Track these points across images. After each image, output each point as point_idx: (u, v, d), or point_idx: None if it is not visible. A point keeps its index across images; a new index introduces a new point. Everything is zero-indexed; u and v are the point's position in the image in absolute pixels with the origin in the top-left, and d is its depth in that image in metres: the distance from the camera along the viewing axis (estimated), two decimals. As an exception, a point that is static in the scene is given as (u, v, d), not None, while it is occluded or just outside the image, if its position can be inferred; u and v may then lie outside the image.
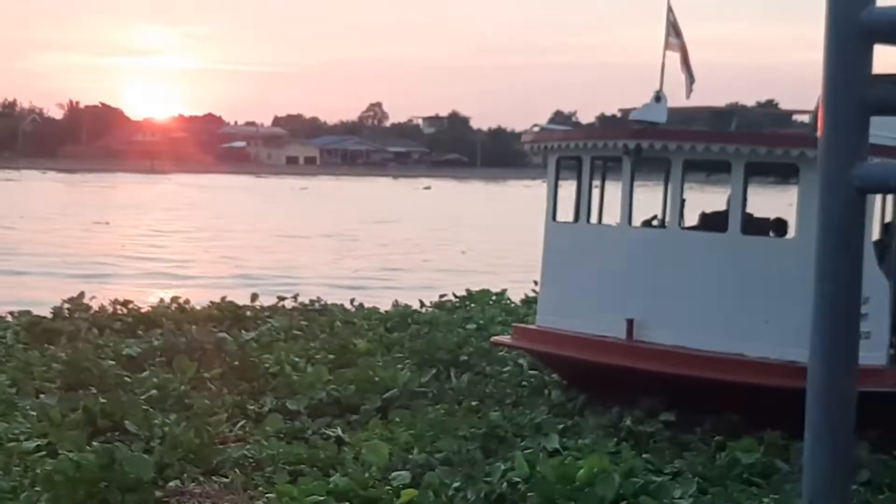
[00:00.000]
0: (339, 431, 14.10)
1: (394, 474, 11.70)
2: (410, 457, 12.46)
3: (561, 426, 14.04)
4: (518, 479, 11.13)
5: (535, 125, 18.06)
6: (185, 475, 11.68)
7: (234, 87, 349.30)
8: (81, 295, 22.67)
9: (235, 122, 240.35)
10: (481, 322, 21.93)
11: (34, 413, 13.65)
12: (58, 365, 16.45)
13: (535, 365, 17.85)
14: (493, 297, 25.47)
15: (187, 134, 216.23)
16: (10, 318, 21.09)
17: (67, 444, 11.82)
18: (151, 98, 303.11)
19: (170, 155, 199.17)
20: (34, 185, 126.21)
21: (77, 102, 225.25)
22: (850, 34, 4.14)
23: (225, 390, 15.82)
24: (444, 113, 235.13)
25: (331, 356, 17.92)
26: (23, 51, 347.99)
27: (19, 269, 42.58)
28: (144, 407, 13.81)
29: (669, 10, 16.88)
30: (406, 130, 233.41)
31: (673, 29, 16.92)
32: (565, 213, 17.15)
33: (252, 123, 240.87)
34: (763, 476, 12.30)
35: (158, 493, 11.04)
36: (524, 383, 16.95)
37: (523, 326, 17.65)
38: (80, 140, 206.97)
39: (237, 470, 12.07)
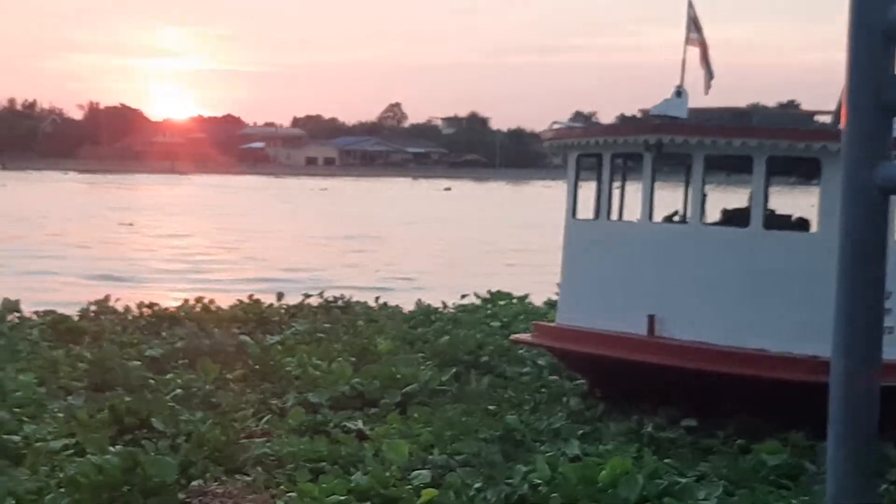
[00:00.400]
0: (360, 425, 14.15)
1: (414, 473, 11.72)
2: (430, 457, 12.48)
3: (580, 432, 13.91)
4: (539, 481, 11.13)
5: (555, 123, 18.03)
6: (208, 474, 11.72)
7: (254, 87, 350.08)
8: (107, 297, 22.79)
9: (254, 123, 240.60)
10: (505, 320, 21.94)
11: (61, 414, 13.72)
12: (83, 365, 16.55)
13: (555, 368, 17.80)
14: (515, 301, 25.43)
15: (206, 135, 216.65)
16: (35, 318, 21.22)
17: (92, 445, 11.89)
18: (171, 99, 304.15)
19: (189, 156, 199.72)
20: (56, 186, 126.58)
21: (97, 103, 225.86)
22: (872, 35, 4.14)
23: (248, 390, 15.91)
24: (463, 113, 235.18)
25: (352, 358, 17.91)
26: (43, 51, 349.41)
27: (45, 270, 42.75)
28: (170, 405, 13.90)
29: (690, 4, 16.84)
30: (425, 131, 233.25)
31: (693, 24, 16.87)
32: (585, 210, 17.12)
33: (271, 124, 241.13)
34: (790, 478, 12.18)
35: (181, 495, 11.07)
36: (543, 389, 16.86)
37: (543, 324, 17.61)
38: (100, 141, 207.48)
39: (259, 468, 12.10)
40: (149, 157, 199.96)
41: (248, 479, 11.75)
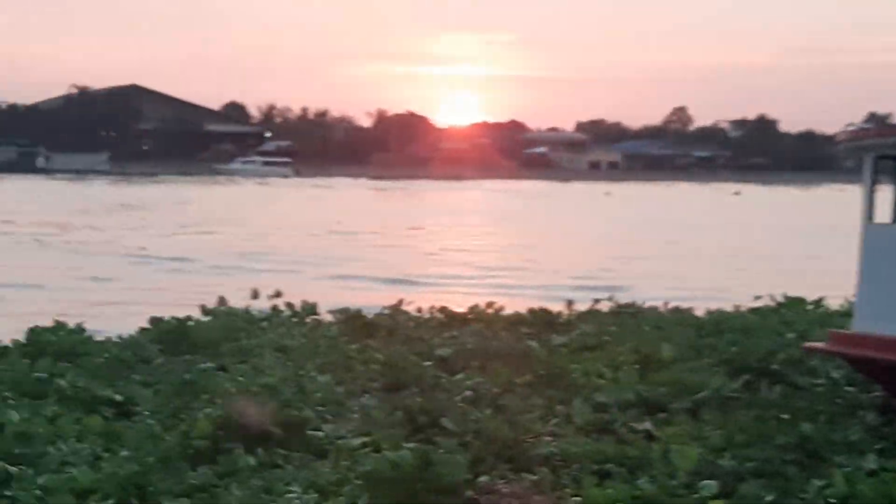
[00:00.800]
0: (648, 426, 14.06)
1: (702, 483, 11.56)
2: (720, 462, 12.29)
3: (878, 446, 13.27)
4: (834, 500, 10.82)
5: (849, 125, 17.53)
6: (496, 472, 11.91)
7: (538, 93, 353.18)
8: (400, 302, 23.37)
9: (538, 129, 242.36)
10: (799, 329, 21.33)
11: (356, 415, 14.20)
12: (376, 366, 17.07)
13: (851, 380, 17.23)
14: (810, 306, 24.74)
15: (491, 140, 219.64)
16: (331, 318, 21.99)
17: (387, 442, 12.30)
18: (456, 106, 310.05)
19: (474, 161, 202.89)
20: (347, 193, 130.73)
21: (385, 111, 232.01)
22: None
23: (534, 395, 16.03)
24: (750, 116, 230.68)
25: (636, 365, 17.79)
26: (334, 61, 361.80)
27: (342, 274, 44.24)
28: (460, 405, 14.21)
29: None
30: (711, 134, 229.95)
31: None
32: (882, 214, 16.56)
33: (554, 129, 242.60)
34: None
35: (469, 492, 11.28)
36: (838, 400, 16.28)
37: (839, 332, 17.05)
38: (388, 148, 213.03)
39: (545, 467, 12.20)
40: (434, 163, 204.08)
41: (535, 478, 11.86)
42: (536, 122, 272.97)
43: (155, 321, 20.27)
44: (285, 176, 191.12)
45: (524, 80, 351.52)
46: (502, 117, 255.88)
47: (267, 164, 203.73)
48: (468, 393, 15.43)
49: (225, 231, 68.88)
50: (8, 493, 10.64)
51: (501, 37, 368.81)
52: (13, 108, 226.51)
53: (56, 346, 18.21)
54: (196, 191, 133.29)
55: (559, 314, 22.94)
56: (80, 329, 19.66)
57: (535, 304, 23.68)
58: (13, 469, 11.40)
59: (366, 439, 12.68)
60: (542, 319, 22.18)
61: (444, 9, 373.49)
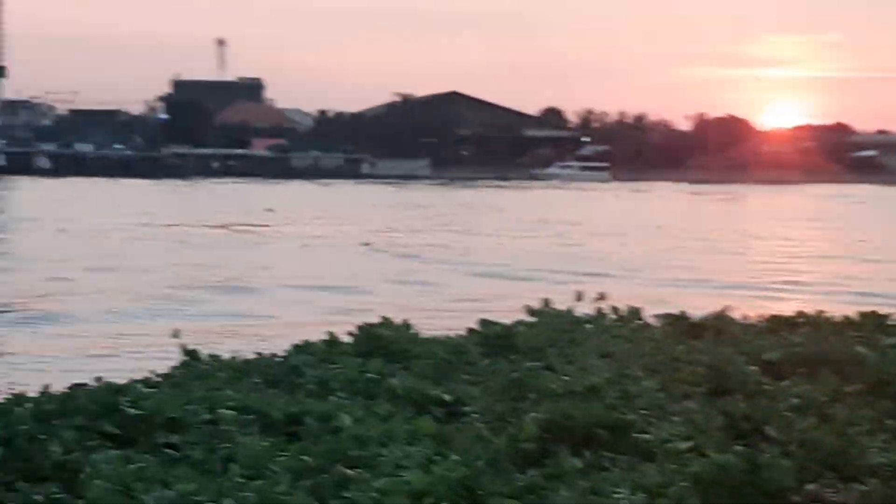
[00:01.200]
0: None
1: None
2: None
3: None
4: None
5: None
6: (822, 480, 11.70)
7: (866, 94, 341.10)
8: (726, 307, 23.03)
9: (865, 131, 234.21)
10: None
11: (676, 418, 14.17)
12: (700, 369, 16.96)
13: None
14: None
15: (815, 143, 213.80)
16: (655, 322, 21.90)
17: (711, 446, 12.27)
18: (778, 108, 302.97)
19: (797, 165, 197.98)
20: (667, 198, 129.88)
21: (705, 114, 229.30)
22: None
23: (864, 406, 15.57)
24: None
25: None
26: (653, 65, 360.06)
27: (664, 278, 44.18)
28: (785, 413, 13.98)
29: None
30: None
31: None
32: None
33: (883, 131, 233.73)
34: None
35: (795, 498, 11.15)
36: None
37: None
38: (708, 151, 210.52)
39: (875, 479, 11.89)
40: (756, 167, 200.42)
41: (864, 488, 11.58)
42: (863, 124, 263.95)
43: (485, 323, 20.61)
44: (603, 180, 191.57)
45: (850, 82, 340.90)
46: (827, 119, 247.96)
47: (584, 168, 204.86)
48: (793, 400, 15.14)
49: (544, 235, 69.77)
50: (346, 495, 11.06)
51: (826, 37, 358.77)
52: (340, 117, 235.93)
53: (386, 343, 18.73)
54: (515, 195, 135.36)
55: (889, 315, 22.05)
56: (406, 326, 20.17)
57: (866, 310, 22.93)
58: (350, 472, 11.80)
59: (691, 443, 12.66)
60: (872, 322, 21.38)
61: (766, 10, 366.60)
